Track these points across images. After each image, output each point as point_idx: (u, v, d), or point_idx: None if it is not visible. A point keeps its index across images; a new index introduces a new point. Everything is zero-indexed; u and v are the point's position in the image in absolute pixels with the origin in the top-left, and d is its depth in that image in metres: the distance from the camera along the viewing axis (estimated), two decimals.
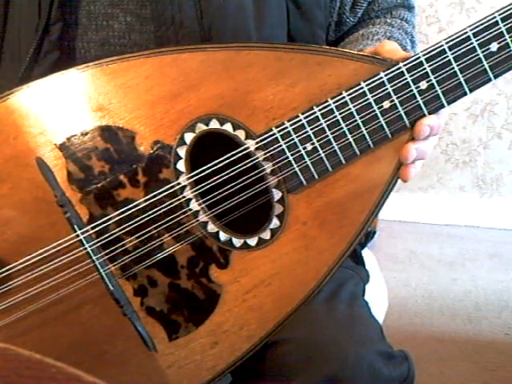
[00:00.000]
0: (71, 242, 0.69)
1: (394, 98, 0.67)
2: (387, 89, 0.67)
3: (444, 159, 2.31)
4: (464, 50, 0.66)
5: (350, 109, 0.68)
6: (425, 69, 0.66)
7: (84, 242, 0.68)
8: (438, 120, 0.69)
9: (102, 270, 0.69)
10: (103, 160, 0.69)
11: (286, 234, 0.71)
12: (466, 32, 0.66)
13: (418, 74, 0.67)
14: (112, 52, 0.77)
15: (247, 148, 0.69)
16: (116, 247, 0.70)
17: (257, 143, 0.69)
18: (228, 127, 0.69)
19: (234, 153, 0.69)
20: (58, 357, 0.39)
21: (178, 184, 0.69)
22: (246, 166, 0.69)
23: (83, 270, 0.70)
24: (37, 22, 0.75)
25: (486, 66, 0.66)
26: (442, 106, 0.68)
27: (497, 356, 1.64)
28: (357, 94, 0.67)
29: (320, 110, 0.68)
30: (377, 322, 0.82)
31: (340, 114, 0.68)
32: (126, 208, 0.69)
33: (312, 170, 0.69)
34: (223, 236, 0.71)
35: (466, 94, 0.67)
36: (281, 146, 0.69)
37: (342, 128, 0.68)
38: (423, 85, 0.67)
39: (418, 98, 0.67)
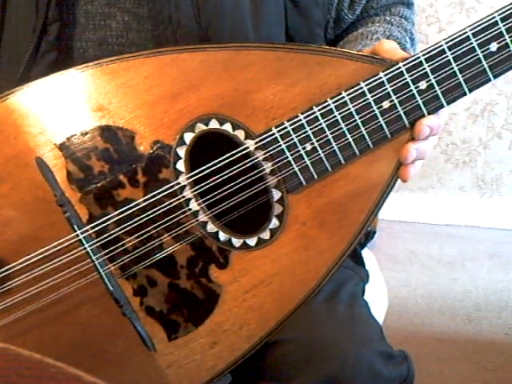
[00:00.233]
0: (71, 241, 0.69)
1: (394, 98, 0.67)
2: (387, 89, 0.67)
3: (444, 159, 2.31)
4: (463, 50, 0.66)
5: (349, 109, 0.68)
6: (424, 69, 0.66)
7: (83, 241, 0.68)
8: (437, 120, 0.69)
9: (101, 270, 0.69)
10: (103, 160, 0.69)
11: (285, 233, 0.71)
12: (466, 32, 0.65)
13: (417, 74, 0.67)
14: (110, 51, 0.77)
15: (247, 148, 0.69)
16: (115, 247, 0.70)
17: (256, 143, 0.69)
18: (228, 127, 0.69)
19: (233, 153, 0.69)
20: (58, 357, 0.39)
21: (178, 184, 0.70)
22: (246, 166, 0.69)
23: (83, 270, 0.70)
24: (34, 22, 0.75)
25: (486, 66, 0.66)
26: (442, 106, 0.68)
27: (497, 356, 1.64)
28: (356, 94, 0.67)
29: (320, 110, 0.68)
30: (377, 322, 0.82)
31: (339, 114, 0.68)
32: (125, 208, 0.69)
33: (311, 170, 0.69)
34: (223, 236, 0.71)
35: (465, 94, 0.67)
36: (280, 146, 0.69)
37: (341, 128, 0.68)
38: (423, 85, 0.67)
39: (418, 98, 0.67)
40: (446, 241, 2.22)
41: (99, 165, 0.69)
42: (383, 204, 0.71)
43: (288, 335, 0.73)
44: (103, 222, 0.69)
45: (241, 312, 0.72)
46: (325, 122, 0.68)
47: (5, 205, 0.69)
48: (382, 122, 0.68)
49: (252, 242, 0.71)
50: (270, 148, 0.69)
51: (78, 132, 0.69)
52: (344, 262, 0.72)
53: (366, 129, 0.68)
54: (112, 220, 0.69)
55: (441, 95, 0.67)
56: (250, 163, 0.69)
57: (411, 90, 0.67)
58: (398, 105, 0.67)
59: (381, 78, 0.67)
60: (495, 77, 0.67)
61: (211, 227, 0.70)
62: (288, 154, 0.69)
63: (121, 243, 0.70)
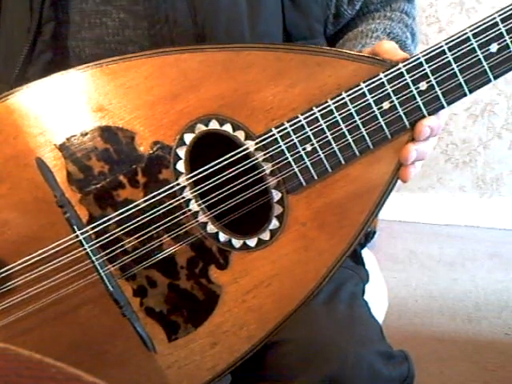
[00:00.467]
0: (71, 242, 0.69)
1: (394, 98, 0.67)
2: (387, 89, 0.67)
3: (444, 159, 2.31)
4: (464, 50, 0.66)
5: (349, 109, 0.68)
6: (424, 69, 0.66)
7: (83, 242, 0.68)
8: (437, 121, 0.69)
9: (101, 271, 0.69)
10: (103, 160, 0.69)
11: (285, 234, 0.71)
12: (466, 33, 0.65)
13: (417, 75, 0.67)
14: (107, 50, 0.77)
15: (247, 149, 0.69)
16: (115, 248, 0.70)
17: (256, 144, 0.69)
18: (228, 128, 0.69)
19: (233, 153, 0.69)
20: (58, 357, 0.40)
21: (178, 184, 0.69)
22: (246, 167, 0.69)
23: (83, 271, 0.70)
24: (29, 22, 0.75)
25: (486, 66, 0.66)
26: (442, 107, 0.68)
27: (497, 356, 1.64)
28: (356, 94, 0.67)
29: (320, 111, 0.68)
30: (377, 322, 0.82)
31: (339, 114, 0.68)
32: (125, 208, 0.69)
33: (311, 170, 0.69)
34: (223, 237, 0.71)
35: (465, 94, 0.67)
36: (280, 146, 0.69)
37: (341, 129, 0.68)
38: (423, 85, 0.67)
39: (418, 98, 0.67)
40: (446, 241, 2.22)
41: (99, 165, 0.69)
42: (383, 205, 0.71)
43: (288, 335, 0.73)
44: (103, 223, 0.69)
45: (241, 313, 0.72)
46: (325, 122, 0.68)
47: (4, 205, 0.69)
48: (382, 123, 0.68)
49: (252, 242, 0.71)
50: (270, 149, 0.69)
51: (78, 132, 0.69)
52: (344, 262, 0.72)
53: (366, 129, 0.68)
54: (112, 221, 0.69)
55: (441, 96, 0.67)
56: (250, 164, 0.69)
57: (411, 91, 0.67)
58: (398, 105, 0.67)
59: (381, 78, 0.67)
60: (495, 78, 0.67)
61: (211, 228, 0.70)
62: (288, 154, 0.69)
63: (121, 244, 0.70)
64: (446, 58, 0.66)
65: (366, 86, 0.67)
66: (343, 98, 0.67)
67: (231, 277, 0.71)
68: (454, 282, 1.98)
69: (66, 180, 0.69)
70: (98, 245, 0.69)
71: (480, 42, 0.65)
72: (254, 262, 0.71)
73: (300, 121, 0.68)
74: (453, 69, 0.66)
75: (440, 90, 0.67)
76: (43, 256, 0.69)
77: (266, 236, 0.71)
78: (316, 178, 0.70)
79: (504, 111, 2.22)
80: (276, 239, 0.71)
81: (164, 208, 0.70)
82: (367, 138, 0.68)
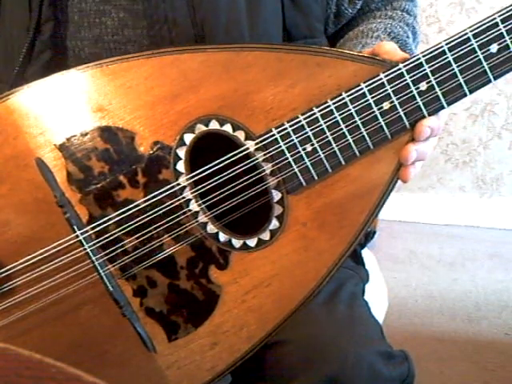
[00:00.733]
0: (71, 242, 0.69)
1: (394, 99, 0.67)
2: (387, 90, 0.67)
3: (444, 159, 2.31)
4: (464, 51, 0.66)
5: (349, 110, 0.68)
6: (425, 70, 0.66)
7: (83, 242, 0.68)
8: (438, 121, 0.69)
9: (101, 271, 0.69)
10: (103, 160, 0.69)
11: (285, 234, 0.71)
12: (466, 33, 0.65)
13: (417, 75, 0.67)
14: (106, 49, 0.77)
15: (247, 149, 0.69)
16: (115, 248, 0.70)
17: (256, 144, 0.69)
18: (228, 128, 0.69)
19: (233, 153, 0.69)
20: (58, 357, 0.40)
21: (178, 185, 0.70)
22: (246, 167, 0.69)
23: (83, 271, 0.70)
24: (28, 21, 0.75)
25: (486, 67, 0.66)
26: (442, 107, 0.68)
27: (497, 356, 1.64)
28: (356, 94, 0.67)
29: (320, 111, 0.68)
30: (377, 322, 0.82)
31: (340, 114, 0.68)
32: (125, 208, 0.69)
33: (312, 170, 0.69)
34: (223, 237, 0.71)
35: (465, 95, 0.67)
36: (280, 146, 0.69)
37: (341, 129, 0.68)
38: (423, 86, 0.67)
39: (418, 99, 0.67)
40: (446, 241, 2.22)
41: (99, 165, 0.69)
42: (383, 205, 0.71)
43: (288, 336, 0.73)
44: (103, 223, 0.69)
45: (241, 313, 0.72)
46: (325, 122, 0.68)
47: (5, 205, 0.69)
48: (383, 123, 0.68)
49: (252, 242, 0.71)
50: (271, 149, 0.69)
51: (78, 133, 0.69)
52: (344, 262, 0.72)
53: (366, 130, 0.68)
54: (112, 221, 0.69)
55: (441, 96, 0.67)
56: (250, 164, 0.69)
57: (411, 91, 0.67)
58: (398, 106, 0.67)
59: (381, 78, 0.67)
60: (496, 78, 0.67)
61: (211, 228, 0.70)
62: (288, 154, 0.69)
63: (121, 244, 0.70)
64: (446, 58, 0.66)
65: (367, 87, 0.67)
66: (343, 99, 0.67)
67: (231, 277, 0.71)
68: (454, 282, 1.98)
69: (66, 180, 0.69)
70: (98, 245, 0.69)
71: (480, 42, 0.65)
72: (254, 262, 0.71)
73: (300, 121, 0.68)
74: (453, 69, 0.66)
75: (440, 90, 0.67)
76: (43, 256, 0.69)
77: (266, 236, 0.71)
78: (316, 178, 0.70)
79: (504, 111, 2.22)
80: (276, 239, 0.71)
81: (164, 208, 0.70)
82: (367, 138, 0.68)
